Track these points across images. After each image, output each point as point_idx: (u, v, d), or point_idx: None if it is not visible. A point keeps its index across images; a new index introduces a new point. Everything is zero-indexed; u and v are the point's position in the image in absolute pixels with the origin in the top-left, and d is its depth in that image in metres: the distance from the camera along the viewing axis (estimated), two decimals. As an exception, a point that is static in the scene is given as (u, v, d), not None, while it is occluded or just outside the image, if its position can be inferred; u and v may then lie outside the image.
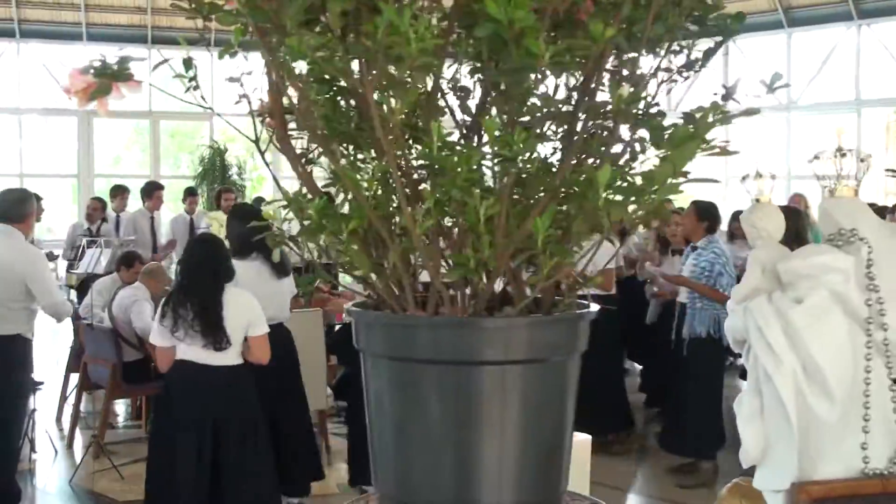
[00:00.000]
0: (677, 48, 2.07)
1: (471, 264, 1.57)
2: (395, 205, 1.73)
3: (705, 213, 6.53)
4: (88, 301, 7.27)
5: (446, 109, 1.83)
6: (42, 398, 7.89)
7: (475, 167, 1.59)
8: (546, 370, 1.74)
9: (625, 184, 1.57)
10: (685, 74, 2.15)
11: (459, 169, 1.50)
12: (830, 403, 2.31)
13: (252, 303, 4.73)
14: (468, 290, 1.70)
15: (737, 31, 2.13)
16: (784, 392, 2.30)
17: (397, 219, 1.77)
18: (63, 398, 7.96)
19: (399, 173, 1.64)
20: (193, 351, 4.56)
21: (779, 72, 2.11)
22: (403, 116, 1.63)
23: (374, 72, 1.56)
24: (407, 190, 1.73)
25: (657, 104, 2.02)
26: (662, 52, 1.97)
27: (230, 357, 4.62)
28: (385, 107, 1.60)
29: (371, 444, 1.80)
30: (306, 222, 1.71)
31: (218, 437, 4.59)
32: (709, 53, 2.07)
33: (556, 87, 1.78)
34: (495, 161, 1.60)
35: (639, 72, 1.93)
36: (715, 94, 2.16)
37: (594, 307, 1.87)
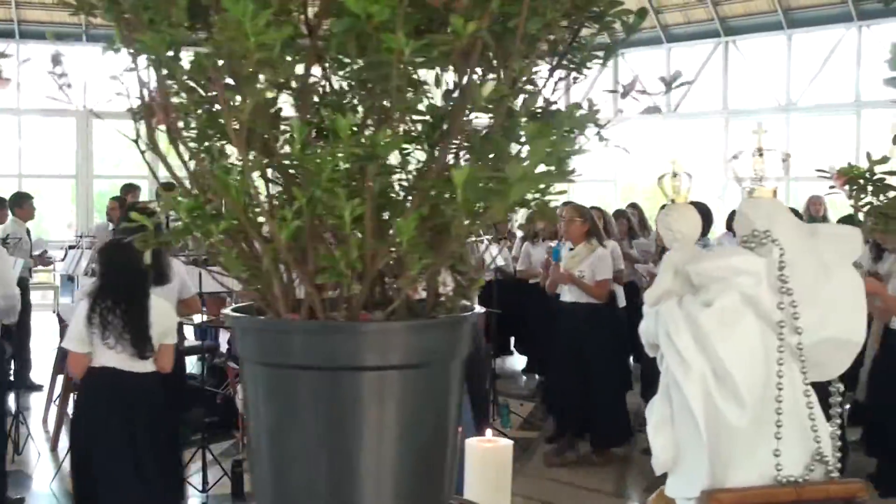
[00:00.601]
0: (577, 45, 2.02)
1: (340, 267, 1.52)
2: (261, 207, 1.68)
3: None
4: (68, 302, 7.30)
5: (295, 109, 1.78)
6: (33, 400, 7.97)
7: (339, 167, 1.54)
8: (424, 375, 1.67)
9: (491, 184, 1.51)
10: (582, 72, 2.09)
11: (323, 169, 1.46)
12: (741, 409, 2.26)
13: (171, 312, 4.76)
14: (345, 294, 1.65)
15: (637, 27, 2.08)
16: (693, 399, 2.25)
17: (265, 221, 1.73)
18: (49, 400, 7.94)
19: (259, 174, 1.61)
20: (118, 358, 4.50)
21: (679, 70, 2.07)
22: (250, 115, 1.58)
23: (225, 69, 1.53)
24: (278, 191, 1.69)
25: (554, 102, 1.96)
26: (560, 49, 1.93)
27: (149, 364, 4.60)
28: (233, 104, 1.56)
29: (248, 454, 1.75)
30: (177, 224, 1.68)
31: (143, 442, 4.57)
32: (609, 51, 2.03)
33: (442, 84, 1.75)
34: (350, 160, 1.55)
35: (526, 69, 1.86)
36: (610, 91, 2.10)
37: (478, 310, 1.82)
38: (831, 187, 2.72)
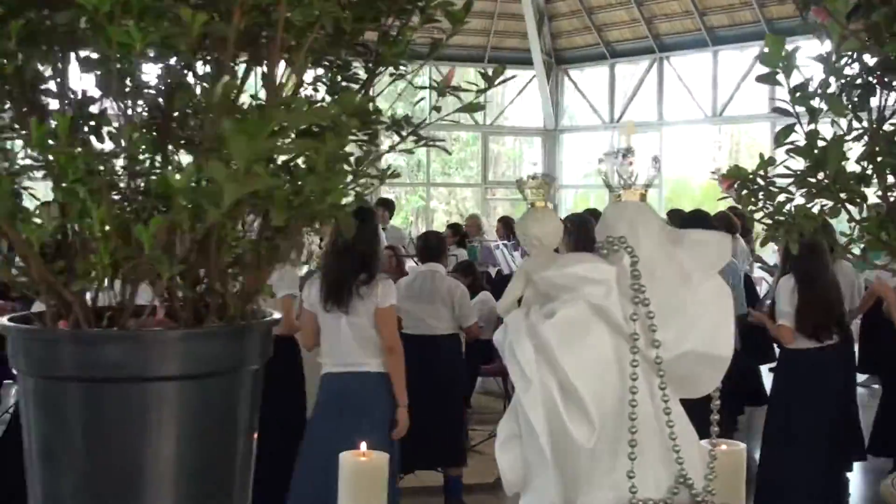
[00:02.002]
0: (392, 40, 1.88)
1: (94, 273, 1.36)
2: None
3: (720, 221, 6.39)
4: None
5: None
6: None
7: (86, 167, 1.40)
8: (205, 386, 1.50)
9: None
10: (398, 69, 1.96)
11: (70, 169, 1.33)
12: (589, 426, 2.09)
13: None
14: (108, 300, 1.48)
15: (461, 19, 1.94)
16: (532, 415, 2.08)
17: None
18: None
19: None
20: None
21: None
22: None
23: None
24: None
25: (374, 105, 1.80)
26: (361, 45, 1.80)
27: None
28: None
29: (25, 468, 1.60)
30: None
31: None
32: (433, 49, 1.91)
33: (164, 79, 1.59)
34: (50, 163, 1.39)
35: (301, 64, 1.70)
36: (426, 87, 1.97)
37: (273, 318, 1.64)
38: (724, 196, 2.57)
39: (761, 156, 2.47)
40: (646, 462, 2.16)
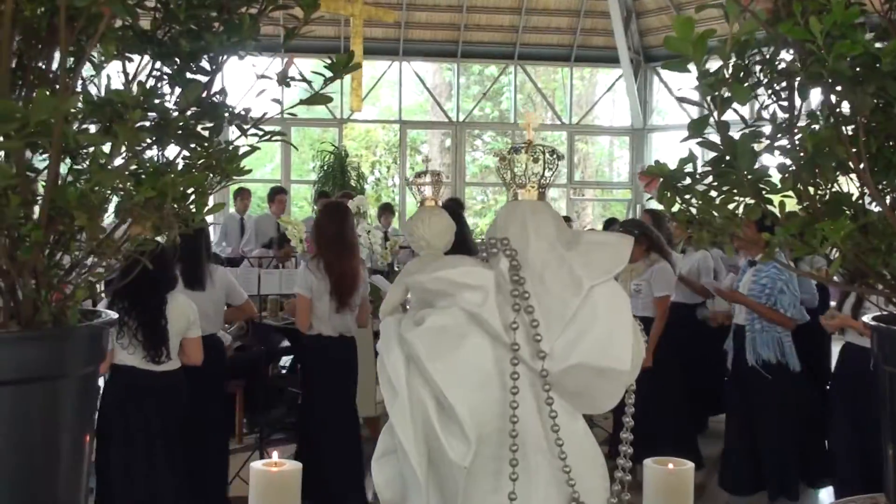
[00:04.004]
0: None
1: None
2: None
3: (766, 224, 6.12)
4: None
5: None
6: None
7: None
8: (20, 393, 1.46)
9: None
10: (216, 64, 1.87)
11: None
12: (465, 443, 1.94)
13: (188, 307, 5.03)
14: None
15: (313, 4, 1.84)
16: (400, 430, 1.93)
17: None
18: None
19: None
20: (134, 357, 4.84)
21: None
22: None
23: None
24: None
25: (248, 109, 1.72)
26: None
27: (171, 363, 4.97)
28: None
29: None
30: None
31: (158, 439, 4.86)
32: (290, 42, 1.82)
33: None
34: None
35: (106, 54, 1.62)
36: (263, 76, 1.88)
37: (106, 319, 1.60)
38: (648, 199, 2.39)
39: (690, 152, 2.28)
40: (534, 484, 1.99)
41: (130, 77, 1.87)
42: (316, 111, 19.20)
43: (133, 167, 1.67)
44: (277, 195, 12.32)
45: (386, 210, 13.31)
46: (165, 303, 4.87)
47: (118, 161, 1.64)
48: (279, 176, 18.65)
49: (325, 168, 16.91)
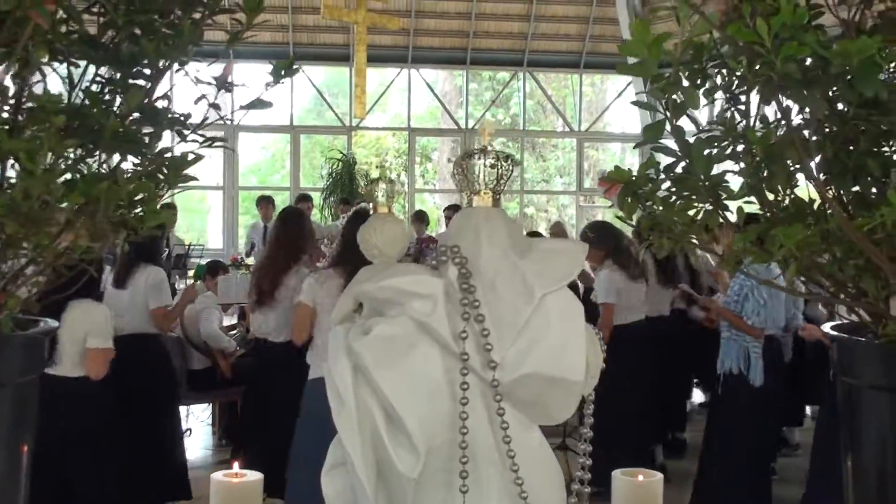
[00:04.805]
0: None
1: None
2: None
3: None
4: None
5: None
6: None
7: None
8: None
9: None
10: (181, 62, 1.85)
11: None
12: (413, 455, 1.91)
13: (91, 313, 4.72)
14: None
15: (256, 8, 1.81)
16: (347, 442, 1.90)
17: None
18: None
19: None
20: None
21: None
22: None
23: None
24: None
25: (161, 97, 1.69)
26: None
27: (74, 369, 4.73)
28: None
29: None
30: None
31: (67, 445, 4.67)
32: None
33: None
34: None
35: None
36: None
37: (43, 328, 1.58)
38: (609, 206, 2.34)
39: (651, 157, 2.24)
40: (485, 496, 1.95)
41: (76, 82, 1.84)
42: (325, 118, 19.22)
43: (67, 175, 1.65)
44: (301, 203, 12.32)
45: (418, 219, 13.30)
46: (63, 309, 4.54)
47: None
48: (288, 183, 18.69)
49: (333, 175, 16.91)
